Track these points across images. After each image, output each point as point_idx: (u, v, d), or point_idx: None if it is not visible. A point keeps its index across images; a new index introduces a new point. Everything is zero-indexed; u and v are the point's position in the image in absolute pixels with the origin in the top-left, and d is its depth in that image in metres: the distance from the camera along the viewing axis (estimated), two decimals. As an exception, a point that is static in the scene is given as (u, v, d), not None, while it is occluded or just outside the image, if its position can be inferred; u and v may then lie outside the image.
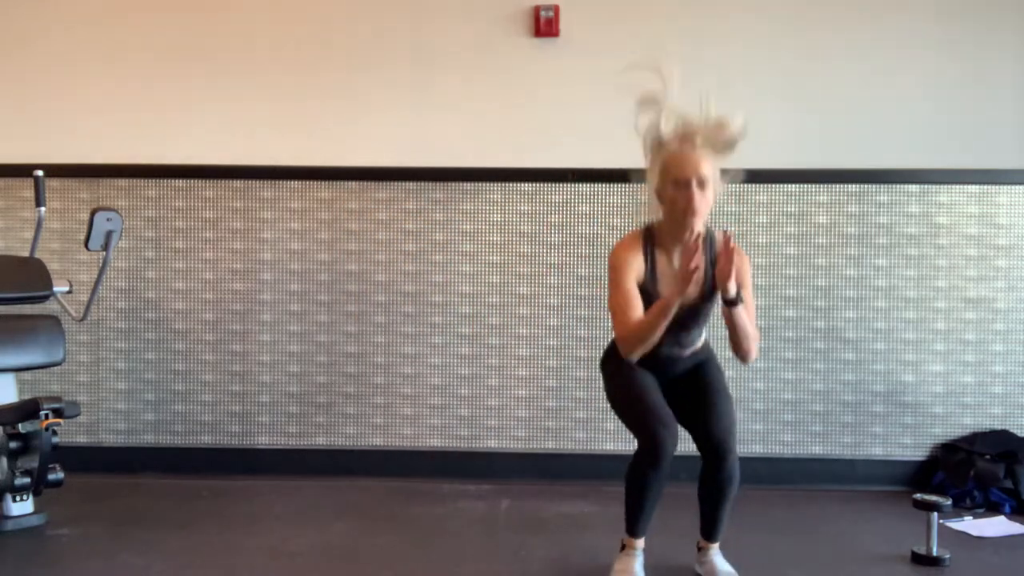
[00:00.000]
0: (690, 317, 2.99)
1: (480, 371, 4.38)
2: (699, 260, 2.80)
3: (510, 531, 3.66)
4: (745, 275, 2.97)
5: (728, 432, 3.00)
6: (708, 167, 2.86)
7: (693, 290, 2.92)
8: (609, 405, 3.13)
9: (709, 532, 3.13)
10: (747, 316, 2.91)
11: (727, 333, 2.92)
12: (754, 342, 2.93)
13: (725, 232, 2.79)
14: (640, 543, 3.09)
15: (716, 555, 3.13)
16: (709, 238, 3.00)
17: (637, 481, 2.97)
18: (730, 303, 2.85)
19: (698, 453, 3.03)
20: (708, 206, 2.88)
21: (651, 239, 2.99)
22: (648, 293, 2.95)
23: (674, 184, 2.87)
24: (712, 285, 2.96)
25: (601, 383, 3.16)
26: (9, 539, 3.49)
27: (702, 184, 2.85)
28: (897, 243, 4.30)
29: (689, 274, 2.75)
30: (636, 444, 2.96)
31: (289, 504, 3.98)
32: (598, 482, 4.21)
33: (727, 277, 2.80)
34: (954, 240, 4.29)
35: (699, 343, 3.13)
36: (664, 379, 3.09)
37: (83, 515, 3.74)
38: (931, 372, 4.30)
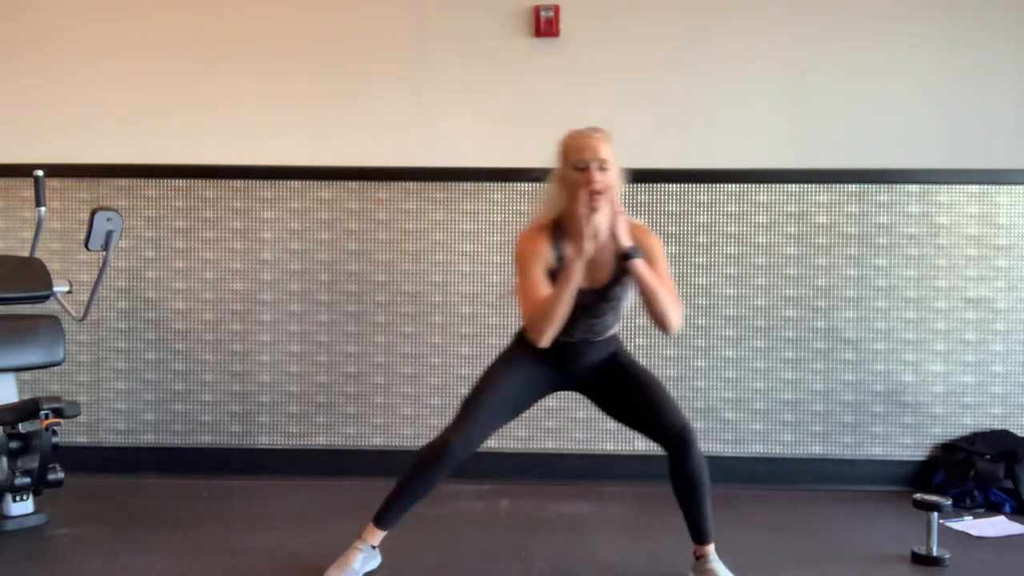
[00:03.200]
0: (601, 302, 2.96)
1: (480, 371, 4.36)
2: (595, 202, 2.80)
3: (510, 531, 3.66)
4: (655, 253, 2.95)
5: (683, 418, 2.98)
6: (608, 151, 2.89)
7: (603, 275, 2.92)
8: None
9: (699, 533, 3.06)
10: (656, 278, 2.89)
11: (647, 312, 2.91)
12: (671, 306, 2.88)
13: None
14: (376, 537, 3.10)
15: (715, 562, 3.06)
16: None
17: (415, 470, 3.01)
18: (625, 256, 2.84)
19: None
20: (610, 188, 2.87)
21: (557, 231, 2.97)
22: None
23: (575, 168, 2.89)
24: (620, 268, 2.92)
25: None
26: (9, 539, 3.49)
27: (603, 167, 2.86)
28: (897, 243, 4.30)
29: (586, 217, 2.77)
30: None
31: (289, 504, 3.98)
32: (598, 482, 4.22)
33: (615, 224, 2.81)
34: (954, 240, 4.29)
35: (612, 330, 3.10)
36: (574, 374, 3.07)
37: (83, 515, 3.74)
38: (931, 372, 4.30)
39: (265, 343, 4.41)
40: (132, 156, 4.41)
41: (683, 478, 2.98)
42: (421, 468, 3.01)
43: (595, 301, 2.95)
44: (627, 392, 3.06)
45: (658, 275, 2.90)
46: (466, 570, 3.23)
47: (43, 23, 4.48)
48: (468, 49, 4.41)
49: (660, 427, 2.98)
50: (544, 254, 2.93)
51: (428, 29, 4.43)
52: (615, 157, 2.91)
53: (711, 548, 3.08)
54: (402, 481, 3.05)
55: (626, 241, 2.84)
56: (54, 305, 3.97)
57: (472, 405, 3.03)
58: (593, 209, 2.82)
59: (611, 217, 2.85)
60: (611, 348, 3.10)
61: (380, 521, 3.10)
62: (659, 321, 2.90)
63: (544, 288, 2.89)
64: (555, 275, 2.92)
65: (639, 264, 2.84)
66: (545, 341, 2.88)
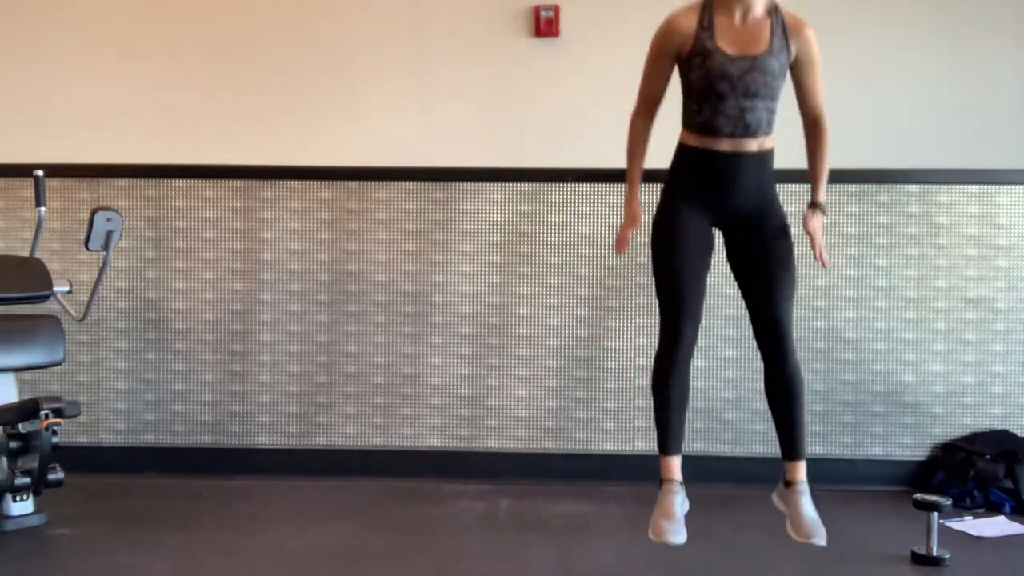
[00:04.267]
0: (756, 71, 2.87)
1: (480, 371, 4.38)
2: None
3: (510, 531, 3.66)
4: (813, 53, 2.96)
5: (788, 315, 2.95)
6: None
7: (758, 45, 2.89)
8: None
9: (790, 446, 2.99)
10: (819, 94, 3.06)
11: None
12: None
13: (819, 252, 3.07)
14: (675, 466, 2.99)
15: (804, 497, 2.98)
16: (774, 7, 2.92)
17: (658, 382, 2.97)
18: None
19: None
20: None
21: (710, 3, 2.93)
22: (706, 51, 2.88)
23: None
24: (781, 40, 2.89)
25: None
26: (9, 539, 3.49)
27: None
28: (897, 243, 4.30)
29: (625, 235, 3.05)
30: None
31: (289, 504, 3.98)
32: (598, 482, 4.22)
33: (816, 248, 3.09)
34: (954, 240, 4.29)
35: (768, 134, 3.00)
36: (726, 210, 2.99)
37: (83, 515, 3.74)
38: (931, 372, 4.30)
39: (265, 343, 4.41)
40: (132, 156, 4.41)
41: (775, 379, 2.97)
42: (668, 372, 2.95)
43: (747, 71, 2.86)
44: (751, 259, 3.02)
45: (813, 78, 2.98)
46: (466, 570, 3.23)
47: (44, 23, 4.48)
48: (468, 49, 4.41)
49: (757, 312, 3.00)
50: (681, 30, 2.92)
51: (428, 29, 4.43)
52: None
53: (802, 471, 3.00)
54: (659, 399, 2.99)
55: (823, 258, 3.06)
56: (54, 305, 3.98)
57: (674, 283, 2.97)
58: None
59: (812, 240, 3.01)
60: (766, 194, 3.05)
61: (666, 447, 3.00)
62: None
63: (652, 99, 3.04)
64: (693, 49, 2.90)
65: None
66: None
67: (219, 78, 4.44)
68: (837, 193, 4.30)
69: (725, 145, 2.92)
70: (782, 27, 2.91)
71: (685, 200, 3.00)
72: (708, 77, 2.87)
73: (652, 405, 3.03)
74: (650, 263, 3.09)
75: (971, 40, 4.37)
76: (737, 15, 2.88)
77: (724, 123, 2.90)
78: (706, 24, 2.89)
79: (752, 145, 2.95)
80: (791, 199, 4.31)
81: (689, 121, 2.97)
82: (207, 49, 4.44)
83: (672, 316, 2.96)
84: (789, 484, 3.05)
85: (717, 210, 3.01)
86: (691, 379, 3.10)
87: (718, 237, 3.11)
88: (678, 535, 2.94)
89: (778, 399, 3.00)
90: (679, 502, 3.01)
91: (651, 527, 2.98)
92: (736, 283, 3.11)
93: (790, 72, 2.97)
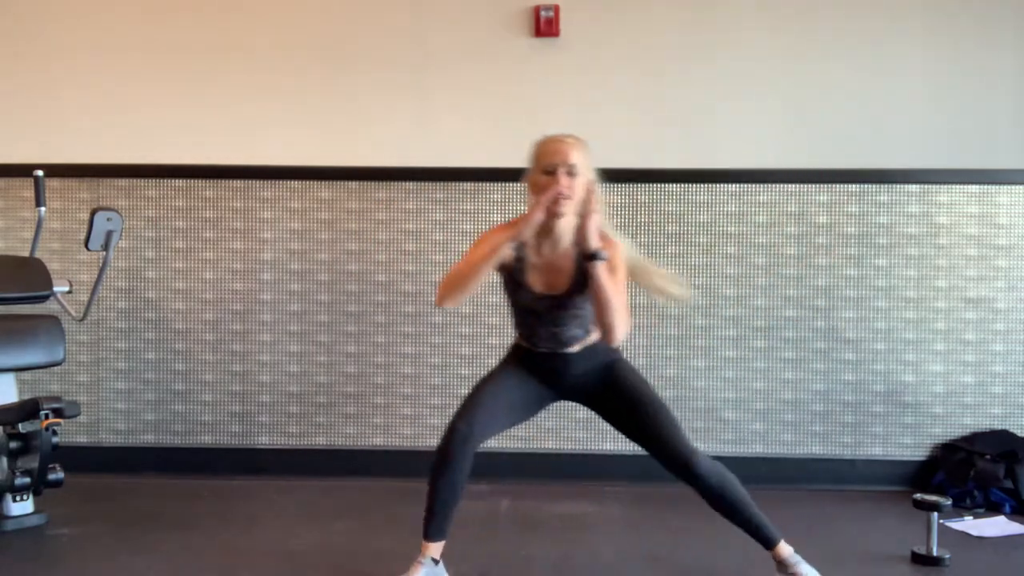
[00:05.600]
0: (558, 309, 2.92)
1: (480, 371, 4.35)
2: (559, 193, 2.80)
3: (510, 531, 3.66)
4: (614, 261, 2.86)
5: (679, 442, 2.92)
6: (578, 157, 2.87)
7: (563, 282, 2.90)
8: None
9: (759, 538, 3.00)
10: (613, 287, 2.82)
11: (596, 317, 2.85)
12: (619, 316, 2.80)
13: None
14: (431, 549, 2.95)
15: (798, 563, 2.98)
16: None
17: (430, 477, 2.95)
18: (589, 257, 2.78)
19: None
20: (577, 194, 2.86)
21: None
22: (517, 283, 2.94)
23: (544, 172, 2.88)
24: (582, 275, 2.87)
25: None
26: (9, 539, 3.49)
27: (571, 172, 2.85)
28: (897, 243, 4.30)
29: (544, 202, 2.78)
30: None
31: (289, 504, 3.98)
32: (598, 482, 4.22)
33: (586, 225, 2.78)
34: (954, 240, 4.29)
35: (586, 339, 3.00)
36: (565, 387, 3.03)
37: (83, 515, 3.74)
38: (931, 372, 4.30)
39: (265, 343, 4.41)
40: (132, 156, 4.41)
41: (709, 499, 2.94)
42: (437, 467, 2.94)
43: (552, 308, 2.92)
44: (627, 418, 3.01)
45: (614, 283, 2.84)
46: (466, 570, 3.23)
47: (43, 23, 4.48)
48: (468, 49, 4.41)
49: (658, 455, 2.97)
50: (499, 242, 2.87)
51: (428, 29, 4.43)
52: (587, 164, 2.90)
53: (785, 550, 2.99)
54: (429, 489, 2.97)
55: (594, 242, 2.79)
56: (54, 305, 3.98)
57: (471, 395, 3.01)
58: (556, 213, 2.84)
59: (580, 220, 2.83)
60: (601, 360, 3.02)
61: (426, 534, 2.97)
62: (605, 329, 2.85)
63: (483, 270, 2.89)
64: (511, 274, 2.94)
65: (600, 268, 2.79)
66: (441, 301, 2.90)
67: (220, 78, 4.44)
68: (837, 193, 4.30)
69: (546, 350, 2.99)
70: (581, 253, 2.87)
71: (520, 367, 3.04)
72: (518, 305, 2.98)
73: (428, 480, 2.97)
74: None
75: (971, 40, 4.37)
76: (545, 249, 2.90)
77: (539, 341, 2.98)
78: (519, 255, 2.92)
79: (572, 349, 3.00)
80: (789, 199, 4.32)
81: (514, 325, 3.06)
82: (208, 50, 4.44)
83: (454, 420, 2.95)
84: (779, 563, 3.02)
85: (555, 390, 3.07)
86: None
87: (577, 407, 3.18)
88: None
89: (719, 510, 2.97)
90: (423, 573, 2.95)
91: None
92: (625, 435, 3.08)
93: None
